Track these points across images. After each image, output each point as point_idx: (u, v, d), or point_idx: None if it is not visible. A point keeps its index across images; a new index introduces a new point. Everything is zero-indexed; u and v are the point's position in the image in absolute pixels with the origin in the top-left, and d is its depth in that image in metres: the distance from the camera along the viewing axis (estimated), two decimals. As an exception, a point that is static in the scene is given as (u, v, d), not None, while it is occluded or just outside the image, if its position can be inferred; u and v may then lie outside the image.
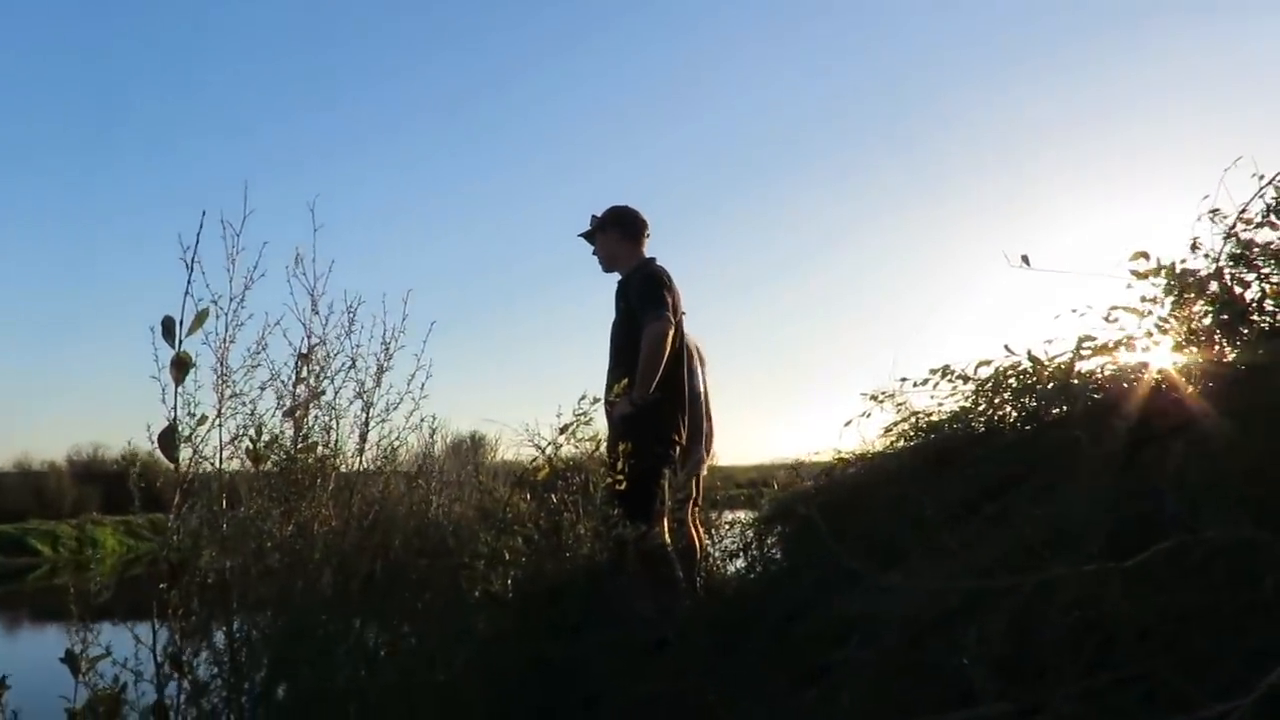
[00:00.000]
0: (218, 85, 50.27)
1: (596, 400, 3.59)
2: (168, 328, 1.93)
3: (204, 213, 2.05)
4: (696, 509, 4.72)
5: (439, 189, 55.20)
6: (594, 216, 3.97)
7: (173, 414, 2.01)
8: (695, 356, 4.84)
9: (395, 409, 2.81)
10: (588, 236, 3.99)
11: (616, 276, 3.93)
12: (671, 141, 64.86)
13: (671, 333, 3.61)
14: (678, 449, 3.73)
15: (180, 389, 1.99)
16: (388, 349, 2.76)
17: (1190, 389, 2.08)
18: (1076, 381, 2.66)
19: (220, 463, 2.24)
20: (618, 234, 3.91)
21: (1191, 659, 1.05)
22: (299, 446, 2.46)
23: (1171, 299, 2.49)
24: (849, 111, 67.12)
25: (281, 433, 2.47)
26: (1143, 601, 1.11)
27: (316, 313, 2.66)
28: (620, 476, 3.23)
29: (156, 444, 1.99)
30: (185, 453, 2.07)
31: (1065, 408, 2.68)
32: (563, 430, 3.41)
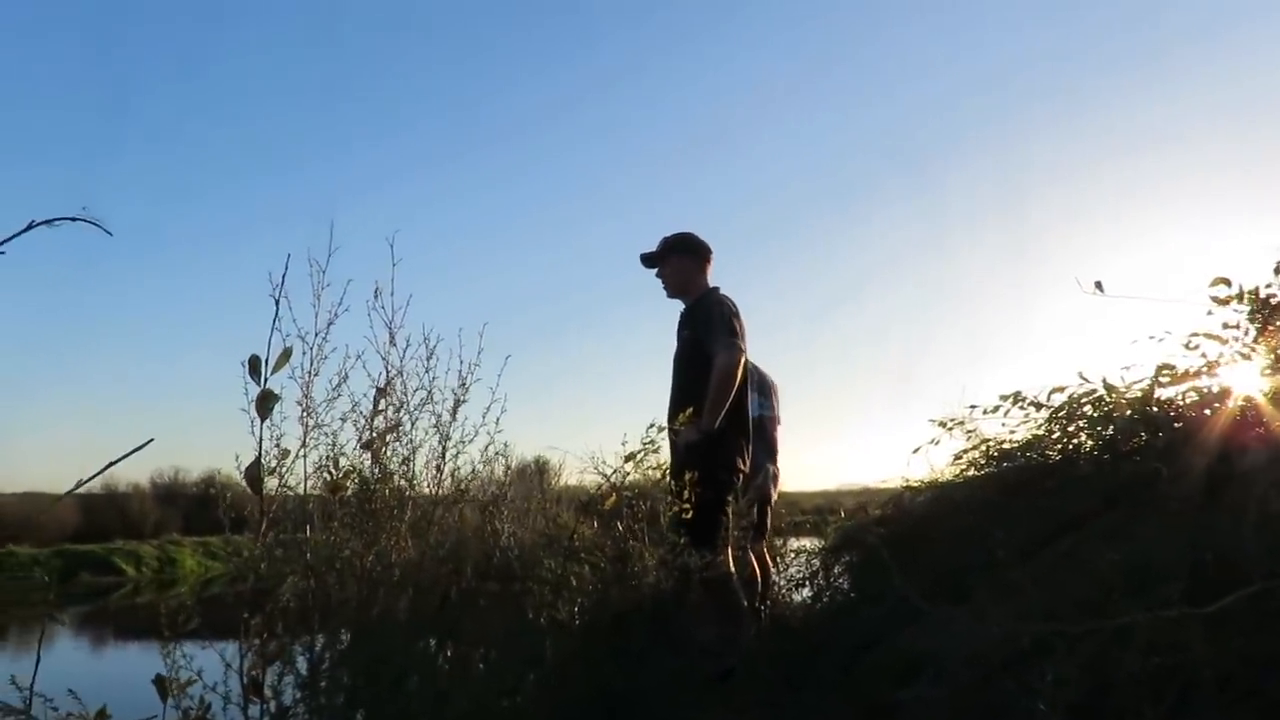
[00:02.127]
0: (289, 116, 52.20)
1: (663, 429, 3.61)
2: (254, 365, 1.98)
3: (289, 255, 2.13)
4: (764, 538, 4.69)
5: (504, 218, 56.09)
6: (664, 239, 3.98)
7: (258, 448, 2.08)
8: (773, 390, 4.84)
9: (471, 441, 2.86)
10: (652, 259, 3.98)
11: (678, 304, 3.94)
12: (737, 169, 64.82)
13: (743, 362, 3.61)
14: (741, 477, 3.72)
15: (267, 423, 2.06)
16: (464, 382, 2.81)
17: (1276, 420, 2.01)
18: (1156, 410, 2.59)
19: (305, 492, 2.31)
20: (689, 261, 3.90)
21: (1275, 707, 1.02)
22: (377, 477, 2.52)
23: (1255, 325, 2.42)
24: (912, 135, 66.29)
25: (360, 463, 2.53)
26: (1224, 647, 1.08)
27: (394, 345, 2.72)
28: (688, 505, 3.24)
29: (243, 477, 2.06)
30: (271, 482, 2.15)
31: (1144, 437, 2.61)
32: (629, 458, 3.44)
